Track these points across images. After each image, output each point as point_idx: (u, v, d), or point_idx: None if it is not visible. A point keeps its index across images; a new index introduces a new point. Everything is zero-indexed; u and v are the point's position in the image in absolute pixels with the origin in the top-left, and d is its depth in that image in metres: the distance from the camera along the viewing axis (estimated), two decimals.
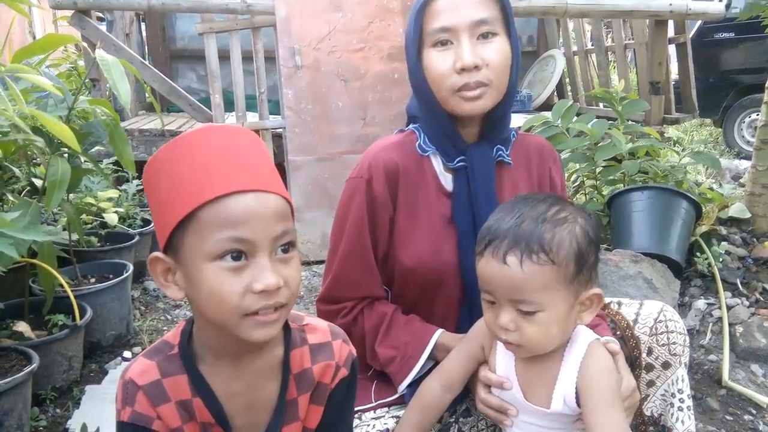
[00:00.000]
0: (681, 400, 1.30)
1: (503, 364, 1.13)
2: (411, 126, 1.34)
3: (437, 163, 1.30)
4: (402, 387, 1.23)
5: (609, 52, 5.23)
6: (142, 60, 4.12)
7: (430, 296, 1.29)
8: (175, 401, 0.90)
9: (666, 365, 1.29)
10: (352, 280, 1.28)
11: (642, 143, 2.89)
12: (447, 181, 1.30)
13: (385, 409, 1.28)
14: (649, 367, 1.29)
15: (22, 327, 2.03)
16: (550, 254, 0.99)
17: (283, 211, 0.85)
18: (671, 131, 4.71)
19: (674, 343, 1.28)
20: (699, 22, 6.18)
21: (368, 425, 1.23)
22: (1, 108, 1.36)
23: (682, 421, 1.30)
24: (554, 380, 1.07)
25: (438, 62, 1.20)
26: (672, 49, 4.47)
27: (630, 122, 3.27)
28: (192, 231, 0.82)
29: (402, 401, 1.27)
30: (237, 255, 0.81)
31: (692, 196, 2.59)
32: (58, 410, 1.98)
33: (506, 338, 1.03)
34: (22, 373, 1.70)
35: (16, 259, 1.58)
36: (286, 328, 0.97)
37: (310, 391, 0.98)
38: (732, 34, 6.18)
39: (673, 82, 4.56)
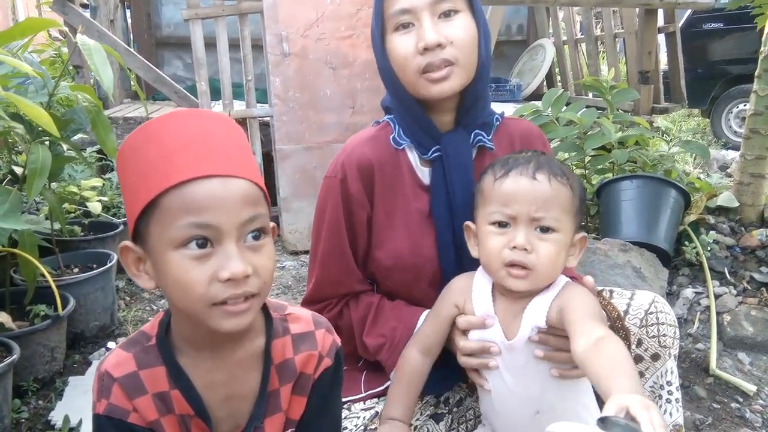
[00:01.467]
0: (669, 392, 1.30)
1: (482, 306, 1.16)
2: (386, 117, 1.31)
3: (413, 156, 1.27)
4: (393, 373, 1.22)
5: (599, 42, 5.22)
6: (127, 47, 4.05)
7: (409, 290, 1.28)
8: (152, 393, 0.89)
9: (655, 357, 1.28)
10: (334, 280, 1.27)
11: (631, 132, 2.89)
12: (424, 174, 1.27)
13: (375, 399, 1.27)
14: (639, 359, 1.28)
15: (2, 318, 1.98)
16: (570, 180, 1.11)
17: (252, 195, 0.82)
18: (660, 121, 4.72)
19: (664, 335, 1.27)
20: (688, 12, 6.19)
21: (357, 416, 1.23)
22: None
23: (670, 414, 1.30)
24: (527, 307, 1.12)
25: (400, 45, 1.17)
26: (661, 39, 4.47)
27: (619, 111, 3.27)
28: (156, 218, 0.80)
29: None
30: (202, 242, 0.79)
31: (681, 186, 2.59)
32: (40, 402, 1.95)
33: (520, 260, 1.07)
34: (1, 365, 1.67)
35: None
36: (268, 317, 0.95)
37: (293, 381, 0.96)
38: (721, 25, 6.19)
39: (662, 72, 4.56)
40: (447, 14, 1.17)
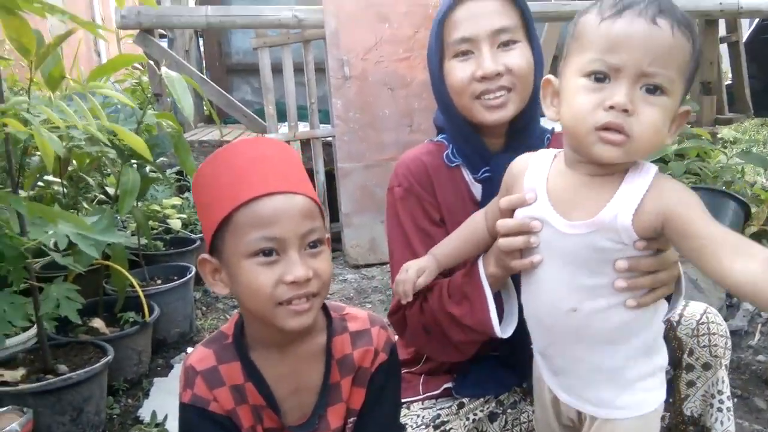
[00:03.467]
0: (721, 401, 1.30)
1: (532, 181, 1.01)
2: (440, 137, 1.35)
3: (467, 173, 1.30)
4: (497, 329, 1.15)
5: None
6: (201, 75, 4.34)
7: None
8: (229, 385, 1.00)
9: (706, 366, 1.29)
10: None
11: (689, 145, 2.88)
12: (477, 191, 1.30)
13: (433, 400, 1.34)
14: (690, 368, 1.30)
15: (97, 323, 2.21)
16: (693, 34, 0.88)
17: (310, 210, 0.94)
18: (725, 131, 4.60)
19: (715, 345, 1.28)
20: (757, 20, 6.01)
21: (417, 415, 1.30)
22: (84, 123, 1.52)
23: (721, 422, 1.31)
24: (610, 193, 0.91)
25: (459, 72, 1.21)
26: (724, 49, 4.39)
27: None
28: (230, 232, 0.93)
29: (449, 394, 1.34)
30: (269, 251, 0.91)
31: (740, 197, 2.57)
32: (129, 400, 2.15)
33: (619, 122, 0.86)
34: (99, 364, 1.87)
35: (96, 258, 1.74)
36: (328, 317, 1.06)
37: (353, 374, 1.06)
38: None
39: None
40: (506, 44, 1.20)
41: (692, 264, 0.88)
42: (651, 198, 0.88)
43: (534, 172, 1.01)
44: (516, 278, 1.14)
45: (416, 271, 1.15)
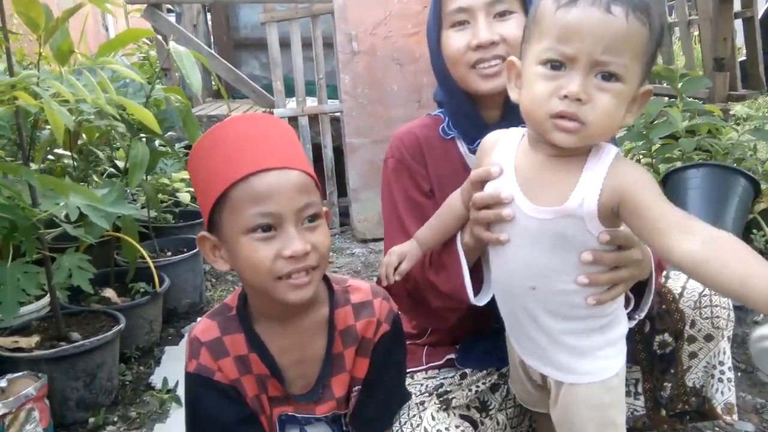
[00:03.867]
0: (722, 372, 1.33)
1: (500, 157, 1.03)
2: (437, 111, 1.37)
3: (462, 145, 1.33)
4: (471, 296, 1.17)
5: (673, 27, 5.08)
6: (209, 50, 4.34)
7: None
8: (234, 356, 1.03)
9: (708, 338, 1.31)
10: None
11: (699, 121, 2.86)
12: (472, 162, 1.30)
13: (436, 370, 1.37)
14: (692, 339, 1.32)
15: (109, 293, 2.26)
16: (650, 18, 0.88)
17: (305, 184, 0.95)
18: (739, 108, 4.54)
19: (717, 316, 1.30)
20: None
21: (420, 384, 1.33)
22: (94, 96, 1.53)
23: (722, 392, 1.33)
24: (574, 179, 0.93)
25: (455, 41, 1.22)
26: (738, 25, 4.31)
27: (691, 99, 3.22)
28: (227, 209, 0.94)
29: (451, 364, 1.36)
30: (267, 227, 0.92)
31: (750, 174, 2.55)
32: (141, 367, 2.20)
33: (573, 111, 0.88)
34: (111, 332, 1.92)
35: (107, 229, 1.78)
36: (330, 289, 1.08)
37: (356, 345, 1.08)
38: None
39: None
40: (502, 14, 1.21)
41: (643, 242, 0.92)
42: (609, 179, 0.91)
43: (502, 148, 1.03)
44: None
45: (398, 256, 1.16)
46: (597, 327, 1.04)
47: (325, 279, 1.08)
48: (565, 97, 0.88)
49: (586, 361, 1.04)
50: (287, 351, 1.05)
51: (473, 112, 1.29)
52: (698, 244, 0.81)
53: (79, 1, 1.71)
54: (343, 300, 1.08)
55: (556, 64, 0.89)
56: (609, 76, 0.87)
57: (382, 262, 1.19)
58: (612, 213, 0.92)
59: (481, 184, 1.05)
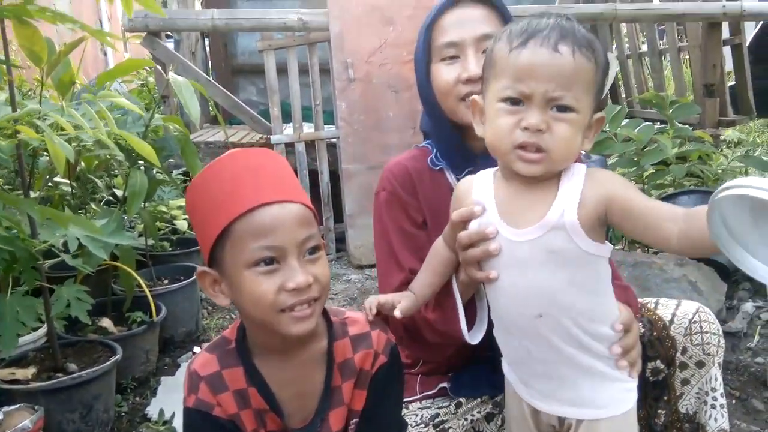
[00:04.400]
0: (714, 398, 1.34)
1: (479, 194, 1.07)
2: (425, 143, 1.39)
3: (450, 176, 1.33)
4: (466, 336, 1.18)
5: (663, 55, 5.17)
6: (207, 77, 4.39)
7: None
8: (233, 390, 1.02)
9: (700, 364, 1.32)
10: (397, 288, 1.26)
11: (689, 148, 2.90)
12: None
13: (430, 400, 1.37)
14: (684, 366, 1.33)
15: (105, 323, 2.25)
16: (595, 53, 0.96)
17: (305, 217, 0.96)
18: (730, 132, 4.61)
19: (708, 342, 1.31)
20: (761, 22, 6.00)
21: (415, 414, 1.33)
22: (93, 129, 1.56)
23: (715, 419, 1.34)
24: (551, 198, 0.99)
25: (445, 74, 1.25)
26: (727, 51, 4.40)
27: (682, 126, 3.27)
28: (229, 244, 0.94)
29: (444, 393, 1.36)
30: (269, 260, 0.93)
31: None
32: (137, 398, 2.19)
33: (534, 140, 0.95)
34: (107, 363, 1.92)
35: (105, 259, 1.79)
36: (329, 322, 1.08)
37: (354, 378, 1.08)
38: None
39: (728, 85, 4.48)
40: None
41: (639, 240, 0.98)
42: (588, 190, 0.97)
43: (480, 188, 1.08)
44: None
45: (389, 300, 1.14)
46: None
47: (323, 311, 1.08)
48: (526, 128, 0.95)
49: (607, 391, 1.05)
50: (286, 384, 1.05)
51: (461, 142, 1.31)
52: (681, 225, 0.88)
53: (80, 35, 1.74)
54: (342, 332, 1.08)
55: (516, 100, 0.96)
56: (564, 108, 0.95)
57: (372, 299, 1.16)
58: (598, 223, 0.97)
59: (463, 224, 1.08)
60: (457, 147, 1.31)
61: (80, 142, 2.04)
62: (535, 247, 0.98)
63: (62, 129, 1.60)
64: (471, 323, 1.19)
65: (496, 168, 1.09)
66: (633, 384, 1.07)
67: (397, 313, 1.12)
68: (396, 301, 1.13)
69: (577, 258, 0.98)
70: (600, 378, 1.05)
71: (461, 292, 1.18)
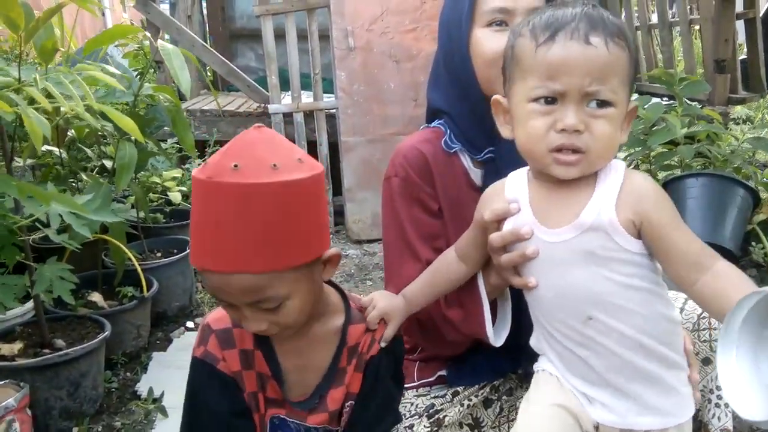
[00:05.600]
0: (719, 397, 1.29)
1: (513, 192, 1.03)
2: (436, 123, 1.31)
3: (465, 159, 1.28)
4: (492, 339, 1.16)
5: (674, 28, 5.02)
6: (203, 43, 4.27)
7: None
8: (239, 349, 1.04)
9: (706, 361, 1.28)
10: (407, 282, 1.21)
11: (698, 128, 2.82)
12: (477, 176, 1.28)
13: (428, 388, 1.34)
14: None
15: (95, 297, 2.21)
16: (627, 41, 0.91)
17: (253, 287, 0.89)
18: (739, 109, 4.50)
19: (716, 340, 1.26)
20: None
21: (410, 403, 1.30)
22: (72, 104, 1.48)
23: (719, 418, 1.30)
24: (587, 198, 0.93)
25: (493, 42, 1.16)
26: (740, 26, 4.26)
27: (691, 103, 3.18)
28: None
29: (443, 381, 1.34)
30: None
31: (749, 184, 2.52)
32: (128, 374, 2.16)
33: (571, 143, 0.89)
34: (96, 340, 1.88)
35: (89, 237, 1.73)
36: (347, 304, 1.09)
37: (356, 360, 1.08)
38: None
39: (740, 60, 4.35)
40: None
41: (659, 262, 0.94)
42: (626, 191, 0.92)
43: (512, 186, 1.03)
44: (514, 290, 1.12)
45: (380, 313, 1.10)
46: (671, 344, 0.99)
47: (343, 295, 1.11)
48: (563, 130, 0.89)
49: (672, 396, 0.99)
50: (293, 355, 1.06)
51: (488, 117, 1.20)
52: (708, 280, 0.86)
53: (61, 1, 1.65)
54: (358, 318, 1.09)
55: (548, 99, 0.90)
56: (602, 103, 0.89)
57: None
58: (635, 228, 0.91)
59: (497, 224, 1.03)
60: (482, 123, 1.22)
61: (67, 112, 1.97)
62: (572, 247, 0.94)
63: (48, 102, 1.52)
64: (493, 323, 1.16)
65: (527, 168, 1.03)
66: (690, 388, 1.02)
67: (382, 344, 1.09)
68: (387, 314, 1.10)
69: (619, 257, 0.92)
70: (664, 382, 0.98)
71: (488, 293, 1.14)
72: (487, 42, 1.18)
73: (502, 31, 1.17)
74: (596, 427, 1.02)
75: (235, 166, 0.86)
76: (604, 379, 0.98)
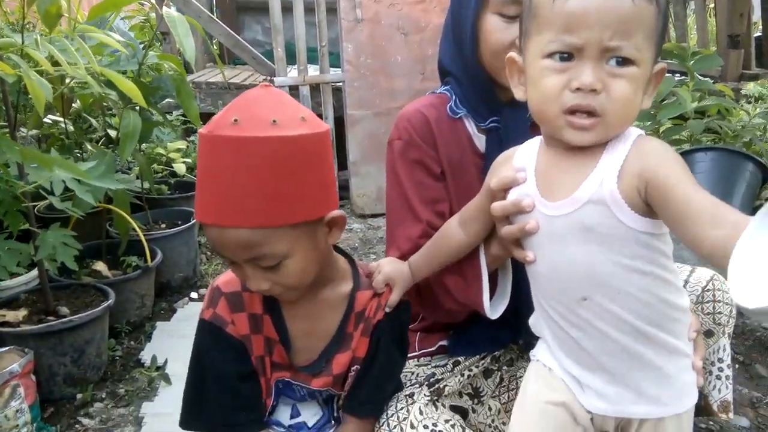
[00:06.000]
0: (720, 369, 1.30)
1: (521, 160, 0.97)
2: (443, 89, 1.30)
3: (470, 125, 1.26)
4: (488, 311, 1.14)
5: (687, 3, 4.93)
6: (210, 14, 4.22)
7: None
8: (248, 313, 1.04)
9: (709, 333, 1.28)
10: (414, 245, 1.20)
11: (709, 102, 2.77)
12: (480, 142, 1.26)
13: (428, 357, 1.34)
14: None
15: (99, 266, 2.22)
16: None
17: (249, 241, 0.89)
18: (751, 86, 4.43)
19: (719, 312, 1.27)
20: None
21: (411, 372, 1.30)
22: (75, 66, 1.47)
23: (719, 390, 1.30)
24: (590, 169, 0.85)
25: (501, 33, 1.14)
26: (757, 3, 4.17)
27: (703, 78, 3.12)
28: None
29: (444, 350, 1.34)
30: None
31: (759, 159, 2.48)
32: (132, 343, 2.18)
33: (587, 104, 0.81)
34: (100, 308, 1.89)
35: (93, 204, 1.73)
36: (355, 270, 1.09)
37: (363, 324, 1.09)
38: None
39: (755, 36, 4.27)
40: None
41: (671, 230, 0.83)
42: (631, 159, 0.83)
43: (522, 154, 0.97)
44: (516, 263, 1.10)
45: (385, 278, 1.10)
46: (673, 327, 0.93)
47: (352, 263, 1.10)
48: (578, 89, 0.81)
49: (672, 385, 0.93)
50: (301, 320, 1.06)
51: (490, 88, 1.21)
52: (726, 232, 0.71)
53: None
54: (366, 284, 1.08)
55: (564, 56, 0.82)
56: (622, 61, 0.81)
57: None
58: (639, 196, 0.82)
59: (504, 192, 0.98)
60: (484, 93, 1.22)
61: (72, 79, 1.95)
62: (570, 222, 0.87)
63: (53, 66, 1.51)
64: (491, 295, 1.14)
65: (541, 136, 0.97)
66: (694, 376, 0.96)
67: (387, 309, 1.10)
68: (392, 279, 1.10)
69: (621, 235, 0.84)
70: (663, 371, 0.92)
71: (489, 264, 1.12)
72: (493, 31, 1.15)
73: (511, 24, 1.13)
74: (592, 420, 0.97)
75: (235, 120, 0.86)
76: (597, 363, 0.93)
